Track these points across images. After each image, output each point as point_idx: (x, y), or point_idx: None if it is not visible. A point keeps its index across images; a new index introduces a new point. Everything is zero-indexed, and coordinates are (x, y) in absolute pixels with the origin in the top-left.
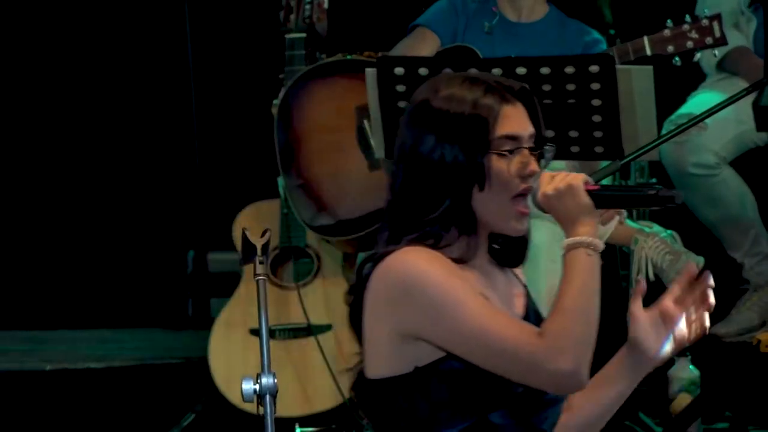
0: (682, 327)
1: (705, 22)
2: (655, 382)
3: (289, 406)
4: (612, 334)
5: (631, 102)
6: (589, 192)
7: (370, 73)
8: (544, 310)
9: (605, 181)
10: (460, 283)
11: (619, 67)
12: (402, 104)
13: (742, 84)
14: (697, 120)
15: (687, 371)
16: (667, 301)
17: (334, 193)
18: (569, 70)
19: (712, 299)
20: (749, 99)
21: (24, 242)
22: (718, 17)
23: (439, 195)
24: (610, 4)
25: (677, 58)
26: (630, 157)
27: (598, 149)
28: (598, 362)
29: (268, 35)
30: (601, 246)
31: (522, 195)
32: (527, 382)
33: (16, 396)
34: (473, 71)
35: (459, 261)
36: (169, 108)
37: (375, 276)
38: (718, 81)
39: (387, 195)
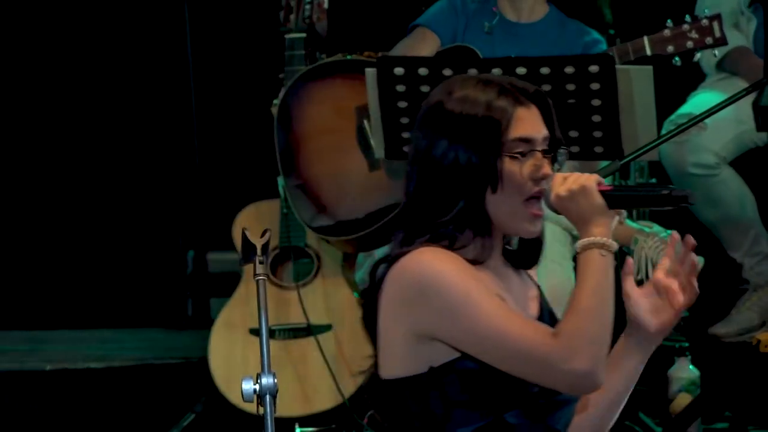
0: (677, 295)
1: (705, 22)
2: (655, 382)
3: (288, 406)
4: (615, 333)
5: (631, 102)
6: (602, 192)
7: (370, 73)
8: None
9: (606, 180)
10: (476, 283)
11: (618, 67)
12: (402, 104)
13: (742, 84)
14: (697, 120)
15: (687, 371)
16: (659, 274)
17: (334, 193)
18: (569, 70)
19: (696, 259)
20: (749, 99)
21: (24, 242)
22: (718, 17)
23: (452, 197)
24: (610, 4)
25: (677, 58)
26: (630, 157)
27: (598, 149)
28: None
29: (267, 35)
30: (615, 246)
31: (535, 197)
32: (542, 382)
33: (16, 396)
34: (496, 71)
35: (474, 262)
36: (169, 108)
37: (390, 277)
38: (718, 81)
39: (402, 197)
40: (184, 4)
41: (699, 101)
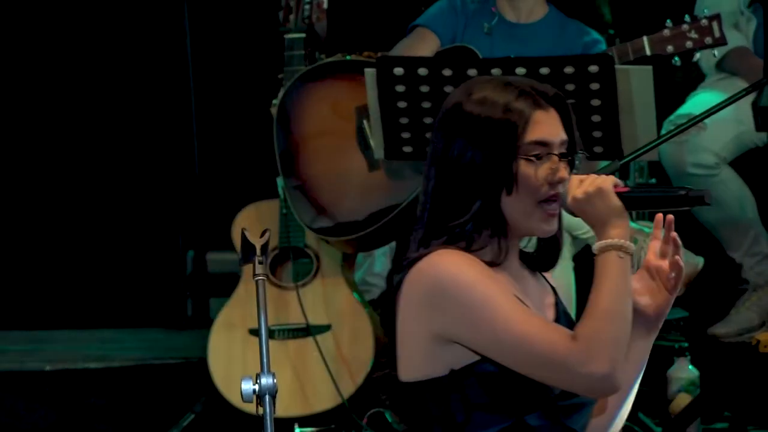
0: (669, 274)
1: (704, 22)
2: (655, 382)
3: (288, 407)
4: None
5: (631, 102)
6: (619, 194)
7: (370, 73)
8: None
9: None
10: (494, 285)
11: (618, 67)
12: (401, 104)
13: (741, 84)
14: (697, 120)
15: (686, 371)
16: (649, 256)
17: (334, 193)
18: (569, 70)
19: (675, 235)
20: (749, 99)
21: (24, 242)
22: (717, 17)
23: (468, 198)
24: (609, 5)
25: (677, 58)
26: (629, 157)
27: (598, 149)
28: None
29: (267, 35)
30: (633, 248)
31: (550, 200)
32: (561, 385)
33: (16, 396)
34: (496, 71)
35: (491, 264)
36: (169, 108)
37: (408, 280)
38: (717, 81)
39: (401, 197)
40: (184, 4)
41: (698, 101)
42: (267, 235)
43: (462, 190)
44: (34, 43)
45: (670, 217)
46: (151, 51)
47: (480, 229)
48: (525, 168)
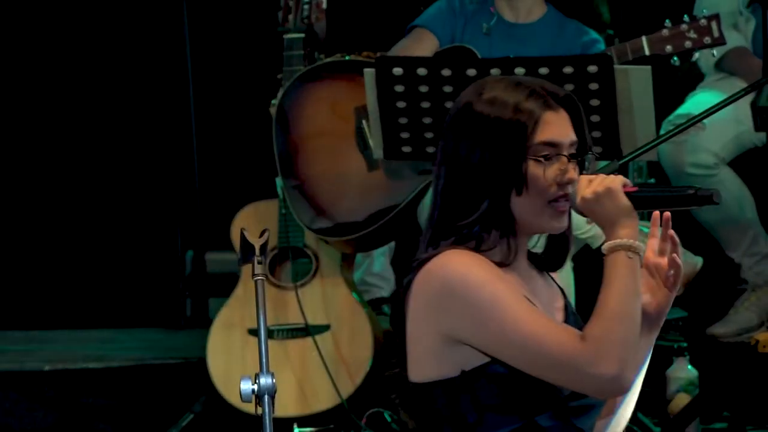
0: (668, 272)
1: (703, 21)
2: (654, 382)
3: (287, 406)
4: None
5: (630, 102)
6: (628, 194)
7: (369, 73)
8: None
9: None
10: (503, 285)
11: (617, 67)
12: (400, 104)
13: (740, 84)
14: (696, 120)
15: (685, 371)
16: (648, 254)
17: (333, 194)
18: (568, 70)
19: (673, 233)
20: (748, 99)
21: (23, 242)
22: (716, 17)
23: (477, 198)
24: (607, 4)
25: (675, 58)
26: (628, 157)
27: (597, 149)
28: None
29: (266, 35)
30: (642, 248)
31: (559, 199)
32: (570, 386)
33: (15, 396)
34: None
35: (501, 264)
36: (168, 108)
37: (417, 280)
38: (716, 81)
39: (431, 197)
40: (183, 4)
41: (697, 101)
42: (266, 235)
43: (471, 190)
44: (34, 44)
45: (667, 214)
46: (150, 51)
47: (489, 229)
48: (534, 168)
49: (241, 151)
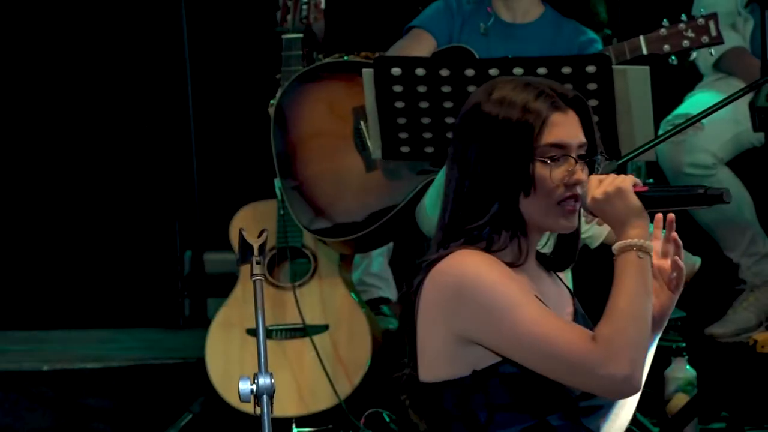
0: (672, 274)
1: (701, 21)
2: (652, 382)
3: (285, 406)
4: None
5: (628, 102)
6: (638, 194)
7: (368, 73)
8: None
9: None
10: (515, 285)
11: (615, 67)
12: (399, 104)
13: (738, 84)
14: (694, 120)
15: (684, 371)
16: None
17: (331, 194)
18: (566, 70)
19: (676, 235)
20: (746, 99)
21: (22, 243)
22: (714, 16)
23: (487, 200)
24: (605, 4)
25: (673, 57)
26: (627, 158)
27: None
28: None
29: (265, 35)
30: (652, 248)
31: (568, 199)
32: (581, 387)
33: (14, 396)
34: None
35: (511, 265)
36: (166, 108)
37: (428, 280)
38: (715, 81)
39: (442, 198)
40: (181, 4)
41: (696, 101)
42: (264, 235)
43: (480, 192)
44: (32, 44)
45: (671, 216)
46: (148, 51)
47: (499, 230)
48: (541, 170)
49: (239, 152)
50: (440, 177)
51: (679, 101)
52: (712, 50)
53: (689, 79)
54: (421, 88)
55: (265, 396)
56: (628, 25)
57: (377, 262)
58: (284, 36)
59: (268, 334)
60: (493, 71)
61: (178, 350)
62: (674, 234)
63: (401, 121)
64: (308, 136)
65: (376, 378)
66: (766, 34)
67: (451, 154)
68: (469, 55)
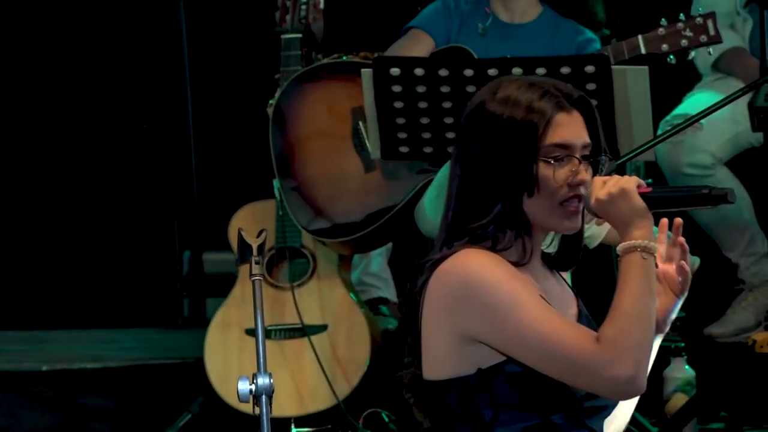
0: (676, 279)
1: (699, 20)
2: (651, 382)
3: (284, 406)
4: None
5: (627, 102)
6: (642, 195)
7: (367, 73)
8: None
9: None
10: (519, 285)
11: (614, 67)
12: (398, 104)
13: (737, 84)
14: (693, 120)
15: (682, 371)
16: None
17: (330, 195)
18: (565, 70)
19: (683, 240)
20: (745, 99)
21: (21, 243)
22: (712, 15)
23: (491, 199)
24: (603, 3)
25: (672, 57)
26: (626, 158)
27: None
28: None
29: (263, 36)
30: (657, 249)
31: (573, 198)
32: (584, 387)
33: (13, 396)
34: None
35: (516, 264)
36: (165, 108)
37: (433, 279)
38: (713, 81)
39: (446, 198)
40: (180, 4)
41: (695, 101)
42: (263, 235)
43: (483, 191)
44: (32, 44)
45: (678, 220)
46: (147, 52)
47: (504, 229)
48: (544, 170)
49: (238, 152)
50: (439, 177)
51: (678, 101)
52: (711, 50)
53: (688, 79)
54: (420, 89)
55: (263, 396)
56: (626, 25)
57: (376, 262)
58: (283, 36)
59: (267, 334)
60: (492, 71)
61: (177, 350)
62: (681, 238)
63: (400, 121)
64: (307, 137)
65: (375, 378)
66: (764, 34)
67: (454, 153)
68: (468, 56)
